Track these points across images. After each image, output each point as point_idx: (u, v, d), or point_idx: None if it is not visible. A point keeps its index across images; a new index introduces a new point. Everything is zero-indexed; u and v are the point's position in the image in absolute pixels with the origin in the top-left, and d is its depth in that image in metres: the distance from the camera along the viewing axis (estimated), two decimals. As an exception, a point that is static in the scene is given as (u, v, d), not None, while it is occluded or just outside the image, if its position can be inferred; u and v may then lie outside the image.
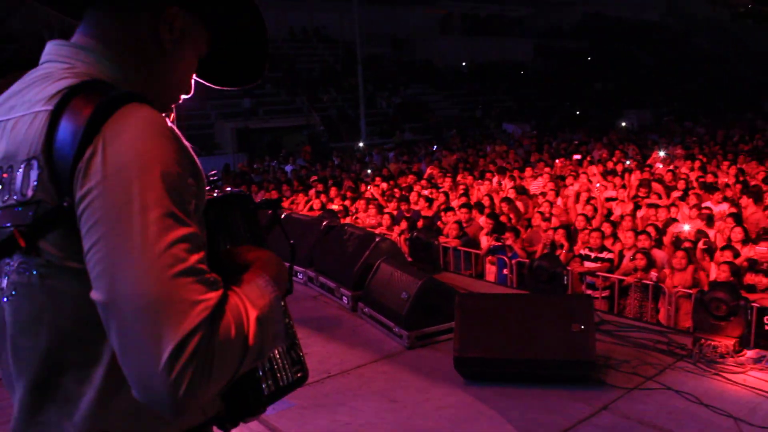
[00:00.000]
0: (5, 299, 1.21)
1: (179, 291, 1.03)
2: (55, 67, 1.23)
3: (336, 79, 31.26)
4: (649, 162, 15.38)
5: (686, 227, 8.88)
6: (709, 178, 12.26)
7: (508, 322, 4.90)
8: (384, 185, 13.56)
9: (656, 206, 9.92)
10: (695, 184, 11.60)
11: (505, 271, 8.59)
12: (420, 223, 9.90)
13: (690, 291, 6.76)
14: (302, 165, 19.45)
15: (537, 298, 5.83)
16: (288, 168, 19.15)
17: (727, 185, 11.59)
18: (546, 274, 6.83)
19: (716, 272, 7.13)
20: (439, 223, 10.12)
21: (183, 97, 1.44)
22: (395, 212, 10.88)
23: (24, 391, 1.22)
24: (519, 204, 11.08)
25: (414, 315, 5.68)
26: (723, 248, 7.67)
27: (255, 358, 1.15)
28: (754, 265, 6.98)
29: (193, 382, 1.02)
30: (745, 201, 10.07)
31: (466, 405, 4.58)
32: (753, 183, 11.66)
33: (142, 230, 1.04)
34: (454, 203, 11.22)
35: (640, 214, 9.85)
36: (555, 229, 8.87)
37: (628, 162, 15.11)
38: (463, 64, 37.19)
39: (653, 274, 7.35)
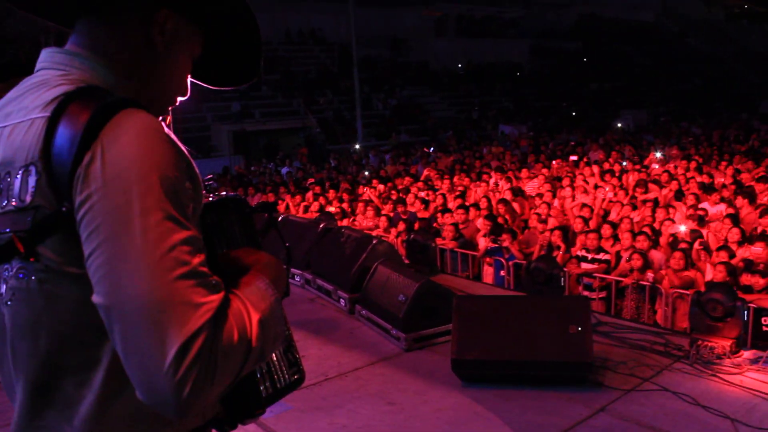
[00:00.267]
0: (5, 304, 1.22)
1: (182, 294, 1.04)
2: (50, 74, 1.24)
3: (332, 81, 31.26)
4: (645, 163, 15.43)
5: (682, 228, 8.90)
6: (705, 179, 12.29)
7: (506, 324, 4.90)
8: (381, 187, 13.57)
9: (648, 200, 9.91)
10: (690, 185, 11.62)
11: (502, 273, 8.59)
12: (417, 225, 9.90)
13: (687, 292, 6.77)
14: (298, 167, 19.45)
15: (534, 299, 5.84)
16: (283, 170, 19.16)
17: (724, 186, 11.62)
18: (543, 276, 6.84)
19: (713, 273, 7.14)
20: (435, 224, 10.13)
21: (180, 99, 1.44)
22: (392, 214, 10.89)
23: (24, 395, 1.22)
24: (515, 205, 11.10)
25: (411, 317, 5.68)
26: (719, 249, 7.68)
27: (257, 359, 1.16)
28: (750, 266, 7.00)
29: (197, 383, 1.03)
30: (740, 201, 10.10)
31: (464, 407, 4.59)
32: (748, 183, 11.70)
33: (142, 234, 1.05)
34: (451, 205, 11.22)
35: (636, 217, 9.86)
36: (552, 230, 8.88)
37: (624, 163, 15.16)
38: (459, 65, 37.23)
39: (649, 275, 7.36)
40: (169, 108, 1.44)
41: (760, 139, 19.25)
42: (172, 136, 1.16)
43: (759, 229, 8.66)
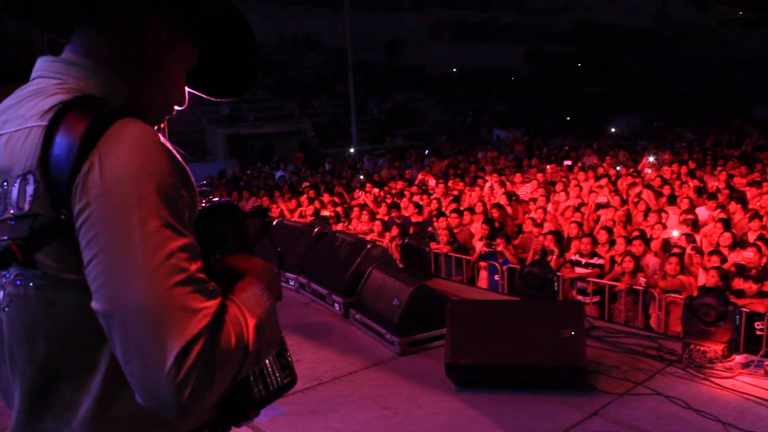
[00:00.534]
0: (2, 311, 1.23)
1: (181, 299, 1.07)
2: (47, 83, 1.25)
3: (327, 85, 31.26)
4: (638, 168, 15.49)
5: (675, 233, 8.94)
6: (696, 183, 12.34)
7: (500, 329, 4.92)
8: (375, 191, 13.58)
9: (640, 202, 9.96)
10: (684, 189, 11.66)
11: (496, 277, 8.62)
12: (411, 230, 9.92)
13: (680, 296, 6.80)
14: (293, 171, 19.45)
15: (528, 304, 5.87)
16: (277, 174, 19.15)
17: (718, 190, 11.67)
18: (537, 280, 6.86)
19: (705, 277, 7.18)
20: (430, 229, 10.15)
21: (176, 108, 1.46)
22: (386, 218, 10.90)
23: (21, 400, 1.23)
24: (509, 210, 11.12)
25: (406, 321, 5.69)
26: (711, 253, 7.73)
27: (253, 363, 1.19)
28: (742, 271, 7.04)
29: (197, 386, 1.05)
30: (733, 207, 10.15)
31: (458, 411, 4.60)
32: (741, 188, 11.76)
33: (141, 241, 1.07)
34: (446, 209, 11.24)
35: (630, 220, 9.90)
36: (545, 234, 8.91)
37: (618, 168, 15.21)
38: (454, 70, 37.27)
39: (642, 279, 7.39)
40: (167, 116, 1.46)
41: (753, 144, 19.33)
42: (168, 144, 1.18)
43: (749, 234, 8.70)
